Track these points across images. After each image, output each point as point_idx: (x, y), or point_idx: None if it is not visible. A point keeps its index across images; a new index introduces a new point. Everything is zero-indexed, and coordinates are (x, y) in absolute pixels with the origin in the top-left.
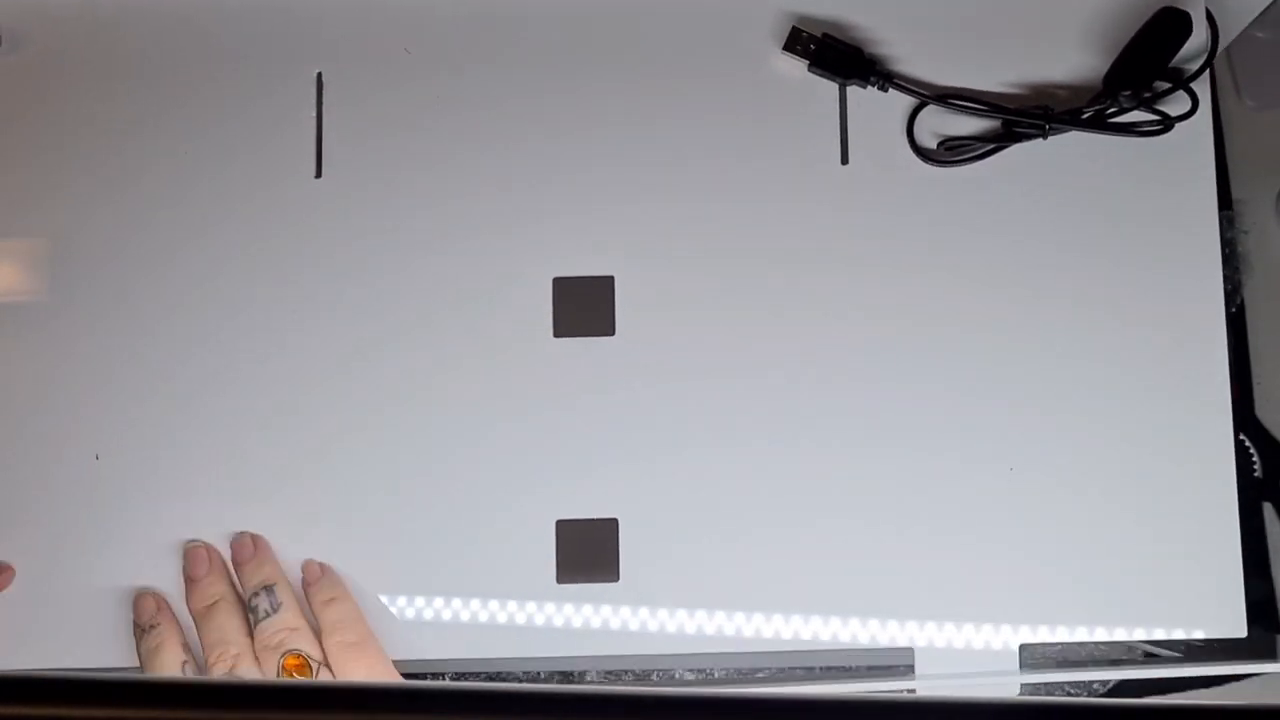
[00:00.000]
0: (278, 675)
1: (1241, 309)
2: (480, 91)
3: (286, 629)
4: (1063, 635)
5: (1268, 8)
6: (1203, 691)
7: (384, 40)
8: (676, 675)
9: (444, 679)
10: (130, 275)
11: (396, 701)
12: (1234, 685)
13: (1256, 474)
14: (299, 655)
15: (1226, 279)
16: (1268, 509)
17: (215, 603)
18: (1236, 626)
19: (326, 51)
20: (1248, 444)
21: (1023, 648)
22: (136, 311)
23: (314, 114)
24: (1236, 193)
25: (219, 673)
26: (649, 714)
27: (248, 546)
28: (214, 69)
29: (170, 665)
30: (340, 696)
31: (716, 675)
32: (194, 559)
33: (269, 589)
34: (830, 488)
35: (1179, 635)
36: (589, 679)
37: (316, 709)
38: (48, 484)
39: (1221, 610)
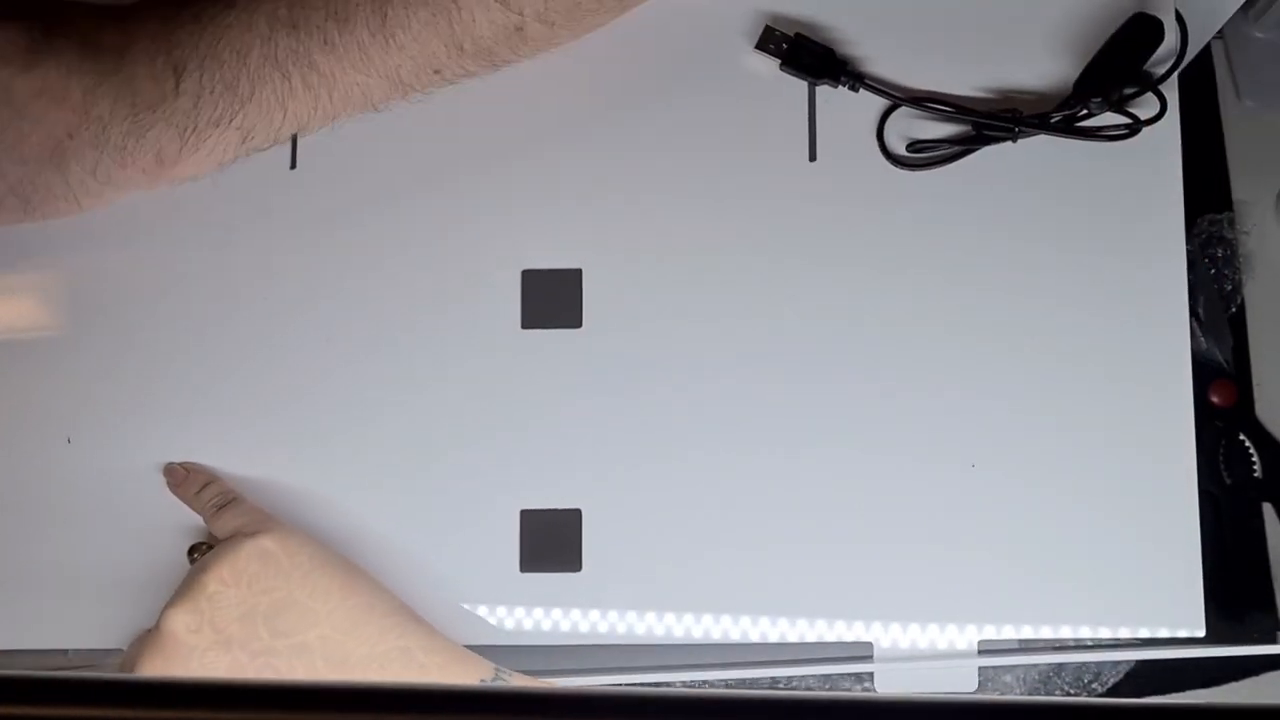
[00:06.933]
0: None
1: (1242, 309)
2: (454, 87)
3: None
4: (1024, 633)
5: (1267, 9)
6: (1202, 692)
7: None
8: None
9: None
10: (95, 262)
11: (397, 702)
12: (1233, 686)
13: (1256, 474)
14: None
15: (1227, 279)
16: (1268, 509)
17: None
18: (1195, 625)
19: None
20: (1247, 444)
21: (981, 644)
22: (98, 296)
23: None
24: (1237, 193)
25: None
26: (648, 714)
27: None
28: None
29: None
30: (340, 696)
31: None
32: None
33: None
34: (794, 484)
35: (1139, 633)
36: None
37: (316, 709)
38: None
39: (1180, 609)
